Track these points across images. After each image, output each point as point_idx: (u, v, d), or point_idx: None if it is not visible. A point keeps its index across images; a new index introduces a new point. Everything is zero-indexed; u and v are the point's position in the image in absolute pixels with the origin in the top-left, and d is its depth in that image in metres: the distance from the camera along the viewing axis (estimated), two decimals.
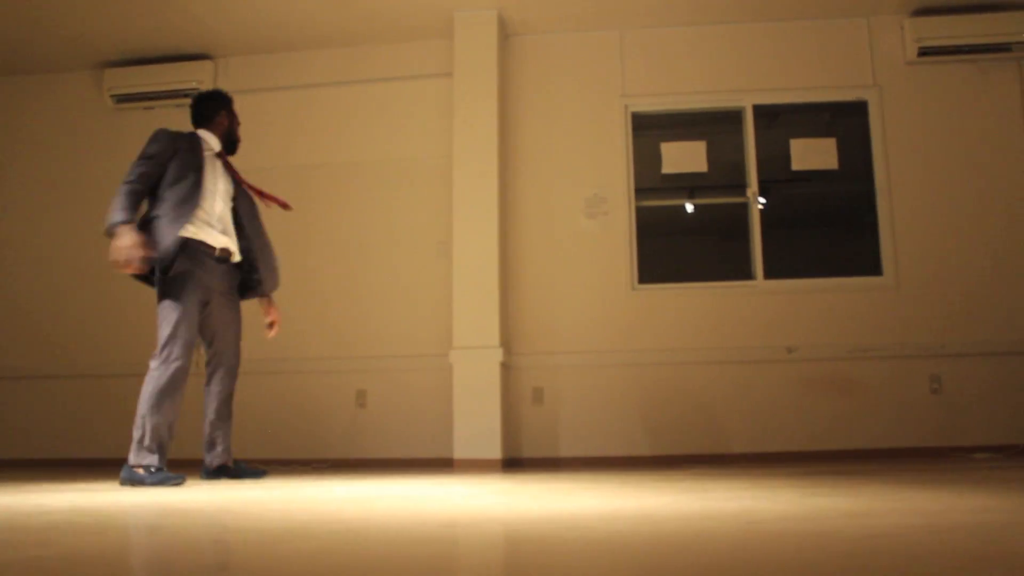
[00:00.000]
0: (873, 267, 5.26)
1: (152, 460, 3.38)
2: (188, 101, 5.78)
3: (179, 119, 5.85)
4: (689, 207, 6.77)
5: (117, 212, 3.38)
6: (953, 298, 5.13)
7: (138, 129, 5.86)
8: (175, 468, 3.71)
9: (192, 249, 3.55)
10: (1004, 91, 5.27)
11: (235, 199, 3.87)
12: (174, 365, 3.43)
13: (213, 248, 3.66)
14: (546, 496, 2.46)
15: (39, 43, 5.57)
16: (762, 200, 7.06)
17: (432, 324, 5.32)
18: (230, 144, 3.94)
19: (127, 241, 3.31)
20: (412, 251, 5.47)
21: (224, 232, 3.73)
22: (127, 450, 3.53)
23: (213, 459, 3.80)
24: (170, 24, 5.40)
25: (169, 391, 3.42)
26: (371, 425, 5.36)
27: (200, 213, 3.61)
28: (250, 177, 5.78)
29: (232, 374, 3.84)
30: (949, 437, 5.02)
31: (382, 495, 2.60)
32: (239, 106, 5.79)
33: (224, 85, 5.82)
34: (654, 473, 3.81)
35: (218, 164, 3.83)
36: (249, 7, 5.22)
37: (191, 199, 3.53)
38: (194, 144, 3.73)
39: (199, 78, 5.71)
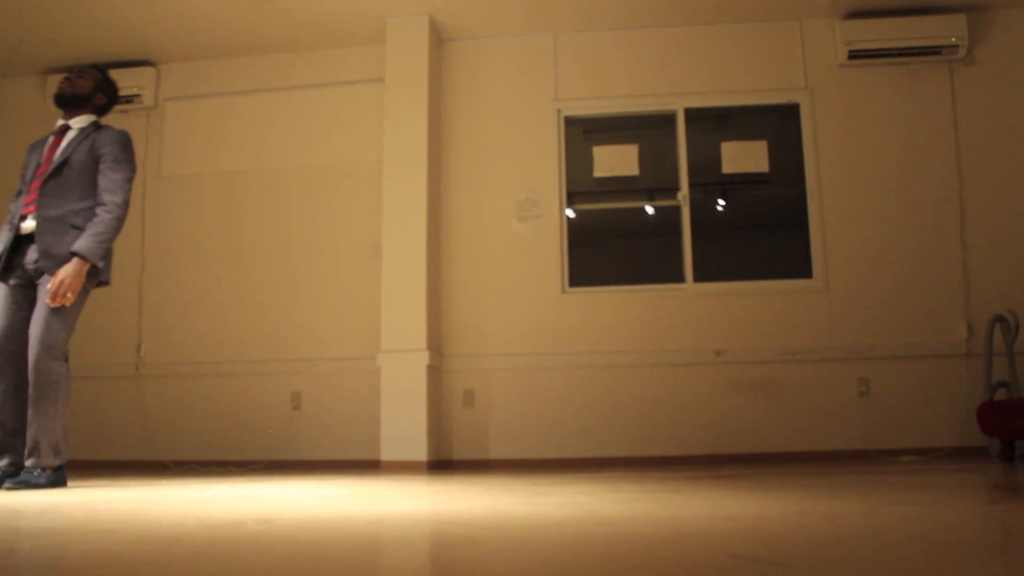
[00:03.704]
0: (803, 269, 5.26)
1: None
2: (131, 107, 5.90)
3: (123, 124, 5.91)
4: (649, 209, 6.79)
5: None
6: (882, 300, 5.14)
7: None
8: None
9: None
10: (934, 94, 5.26)
11: None
12: None
13: None
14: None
15: None
16: (721, 202, 7.07)
17: (364, 327, 5.36)
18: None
19: None
20: (346, 255, 5.51)
21: None
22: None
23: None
24: (110, 31, 5.47)
25: None
26: (306, 427, 5.41)
27: None
28: (188, 182, 5.86)
29: None
30: (877, 440, 5.02)
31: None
32: (182, 112, 5.89)
33: (166, 91, 5.90)
34: (562, 476, 3.84)
35: None
36: (185, 14, 5.27)
37: None
38: None
39: (141, 84, 5.78)
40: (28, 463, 3.20)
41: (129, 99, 5.80)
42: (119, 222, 3.39)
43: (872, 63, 5.27)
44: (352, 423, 5.34)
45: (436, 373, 5.19)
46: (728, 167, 5.36)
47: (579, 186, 5.55)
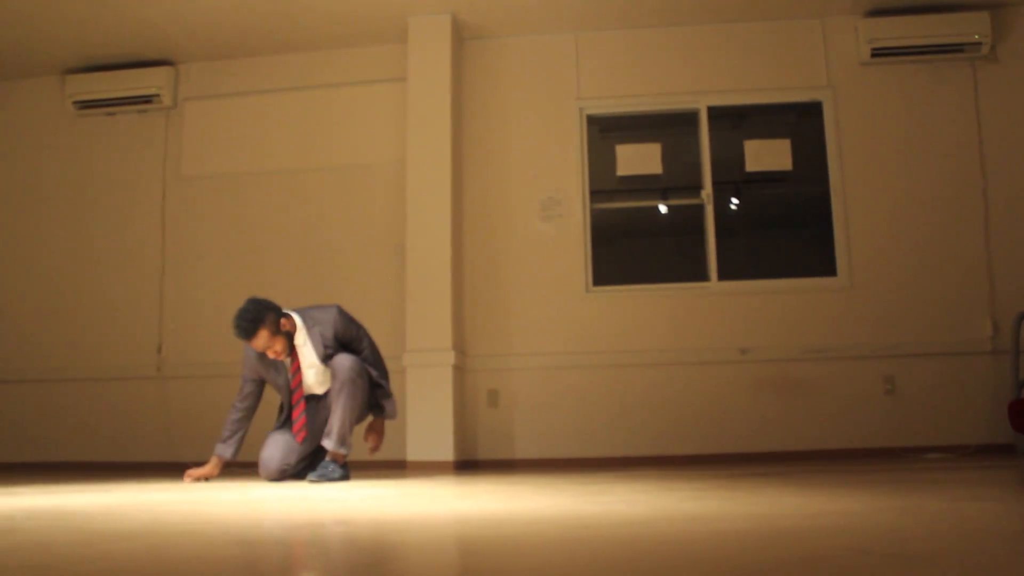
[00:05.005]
0: (827, 267, 5.26)
1: None
2: (150, 107, 5.87)
3: (140, 125, 5.91)
4: (662, 208, 6.80)
5: None
6: (906, 298, 5.14)
7: (100, 135, 5.92)
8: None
9: None
10: (957, 91, 5.27)
11: None
12: None
13: None
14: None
15: (0, 50, 5.61)
16: (735, 200, 7.08)
17: (389, 326, 5.33)
18: None
19: None
20: (368, 254, 5.49)
21: None
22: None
23: None
24: (130, 31, 5.43)
25: None
26: None
27: None
28: (208, 183, 5.84)
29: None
30: (903, 437, 5.02)
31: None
32: (201, 112, 5.87)
33: (185, 91, 5.87)
34: (596, 474, 3.83)
35: None
36: (205, 13, 5.25)
37: None
38: None
39: (160, 84, 5.74)
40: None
41: (148, 99, 5.78)
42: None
43: (895, 61, 5.27)
44: None
45: (460, 372, 5.17)
46: (751, 165, 5.35)
47: (600, 185, 5.54)
